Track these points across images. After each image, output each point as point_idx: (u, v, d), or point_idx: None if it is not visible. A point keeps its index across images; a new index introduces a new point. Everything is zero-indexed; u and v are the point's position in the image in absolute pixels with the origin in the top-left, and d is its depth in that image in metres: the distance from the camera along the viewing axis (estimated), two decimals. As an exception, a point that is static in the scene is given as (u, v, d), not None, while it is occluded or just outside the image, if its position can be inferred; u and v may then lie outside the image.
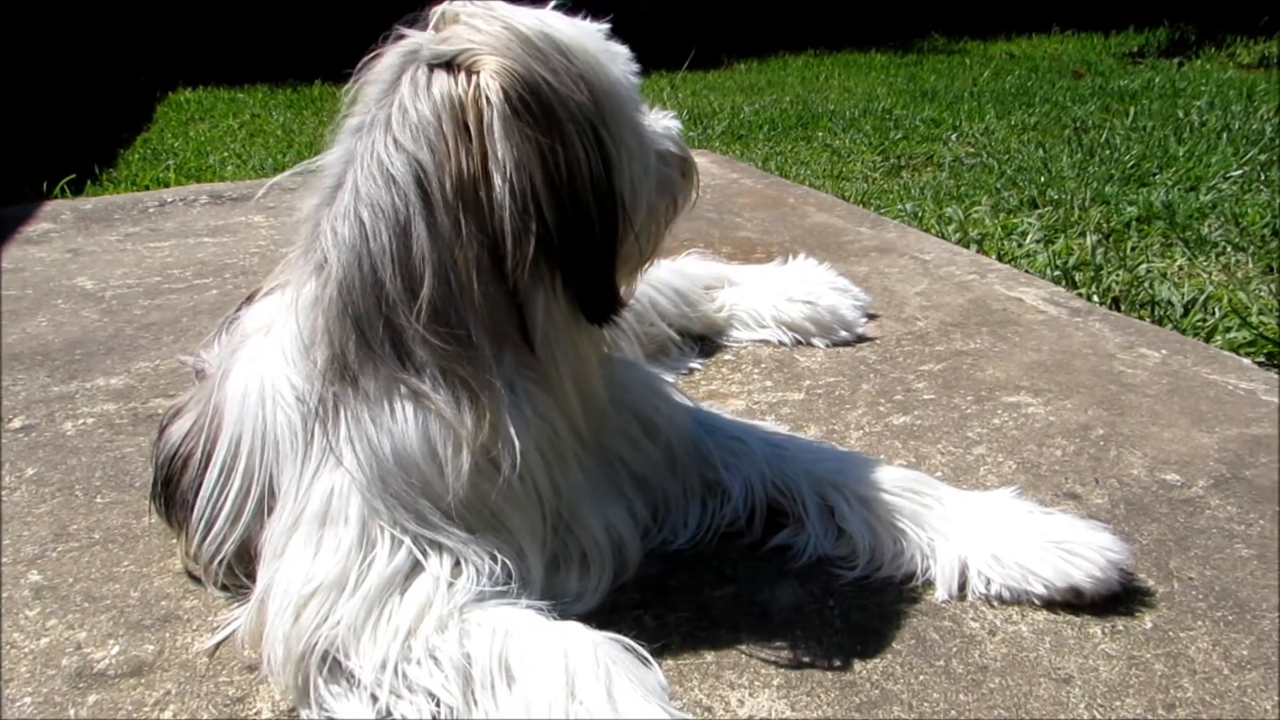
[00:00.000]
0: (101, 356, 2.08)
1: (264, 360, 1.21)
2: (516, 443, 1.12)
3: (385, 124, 1.09)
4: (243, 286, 2.42)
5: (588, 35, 1.14)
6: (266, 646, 1.11)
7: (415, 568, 1.12)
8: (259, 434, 1.19)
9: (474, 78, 1.05)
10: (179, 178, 3.96)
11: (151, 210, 3.30)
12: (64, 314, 2.34)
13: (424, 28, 1.13)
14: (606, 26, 1.18)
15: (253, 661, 1.17)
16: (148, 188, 3.78)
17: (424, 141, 1.06)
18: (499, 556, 1.14)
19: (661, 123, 1.27)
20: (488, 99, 1.04)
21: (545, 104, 1.05)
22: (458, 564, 1.13)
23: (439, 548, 1.13)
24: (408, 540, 1.12)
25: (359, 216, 1.09)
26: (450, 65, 1.07)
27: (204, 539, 1.23)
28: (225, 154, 4.53)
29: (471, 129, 1.06)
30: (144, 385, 1.94)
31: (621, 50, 1.18)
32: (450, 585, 1.10)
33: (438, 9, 1.12)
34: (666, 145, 1.26)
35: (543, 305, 1.12)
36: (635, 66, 1.19)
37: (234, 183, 3.73)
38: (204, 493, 1.23)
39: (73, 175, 3.85)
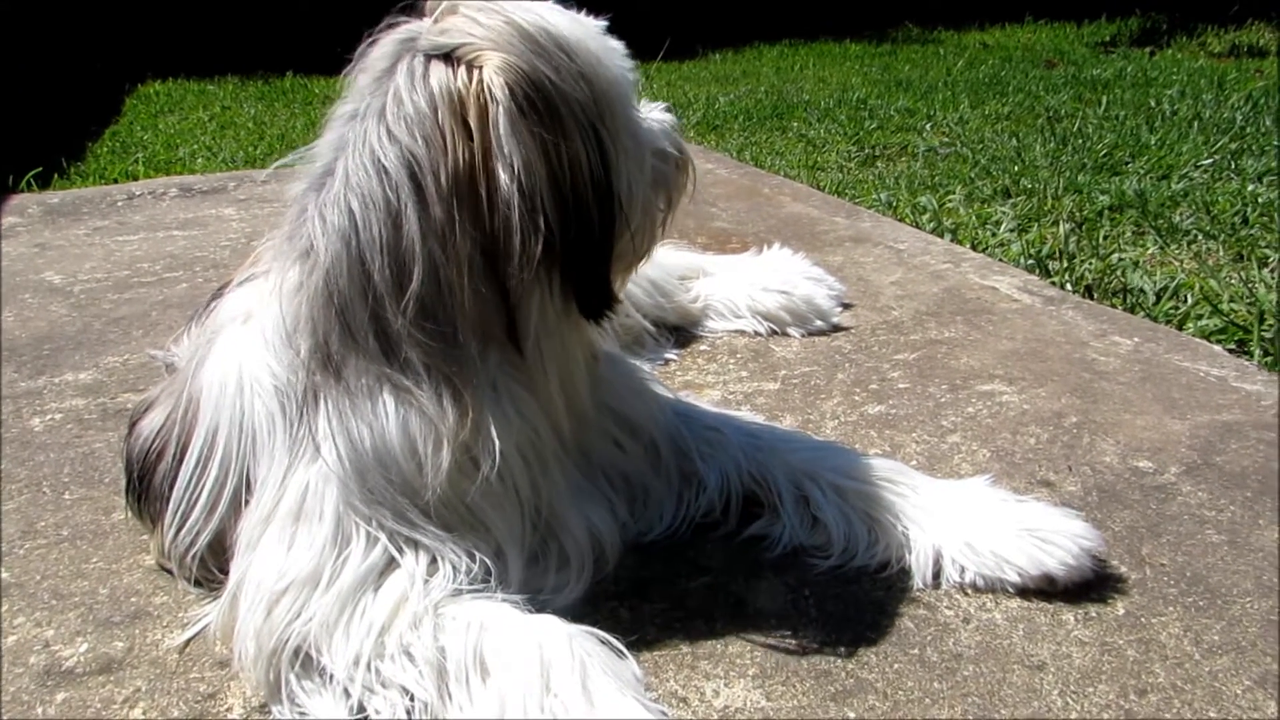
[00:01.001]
0: (70, 351, 2.05)
1: (243, 348, 1.19)
2: (497, 442, 1.11)
3: (379, 113, 1.07)
4: (213, 280, 2.39)
5: (587, 31, 1.13)
6: (238, 642, 1.10)
7: (390, 564, 1.11)
8: (236, 423, 1.17)
9: (476, 72, 1.04)
10: (148, 171, 3.91)
11: (120, 204, 3.26)
12: (31, 309, 2.31)
13: (419, 16, 1.10)
14: (604, 23, 1.17)
15: (224, 658, 1.16)
16: (116, 181, 3.74)
17: (419, 134, 1.04)
18: (476, 555, 1.13)
19: (656, 116, 1.26)
20: (492, 95, 1.03)
21: (549, 101, 1.04)
22: (434, 561, 1.12)
23: (415, 545, 1.12)
24: (384, 537, 1.11)
25: (349, 205, 1.07)
26: (449, 58, 1.05)
27: (178, 532, 1.21)
28: (195, 146, 4.48)
29: (473, 124, 1.04)
30: (113, 380, 1.91)
31: (618, 46, 1.17)
32: (426, 582, 1.10)
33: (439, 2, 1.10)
34: (662, 141, 1.25)
35: (537, 303, 1.11)
36: (631, 63, 1.18)
37: (204, 175, 3.68)
38: (179, 485, 1.21)
39: (39, 169, 3.79)
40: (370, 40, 1.12)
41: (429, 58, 1.06)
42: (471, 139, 1.04)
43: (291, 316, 1.13)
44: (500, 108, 1.03)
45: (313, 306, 1.11)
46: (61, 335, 2.14)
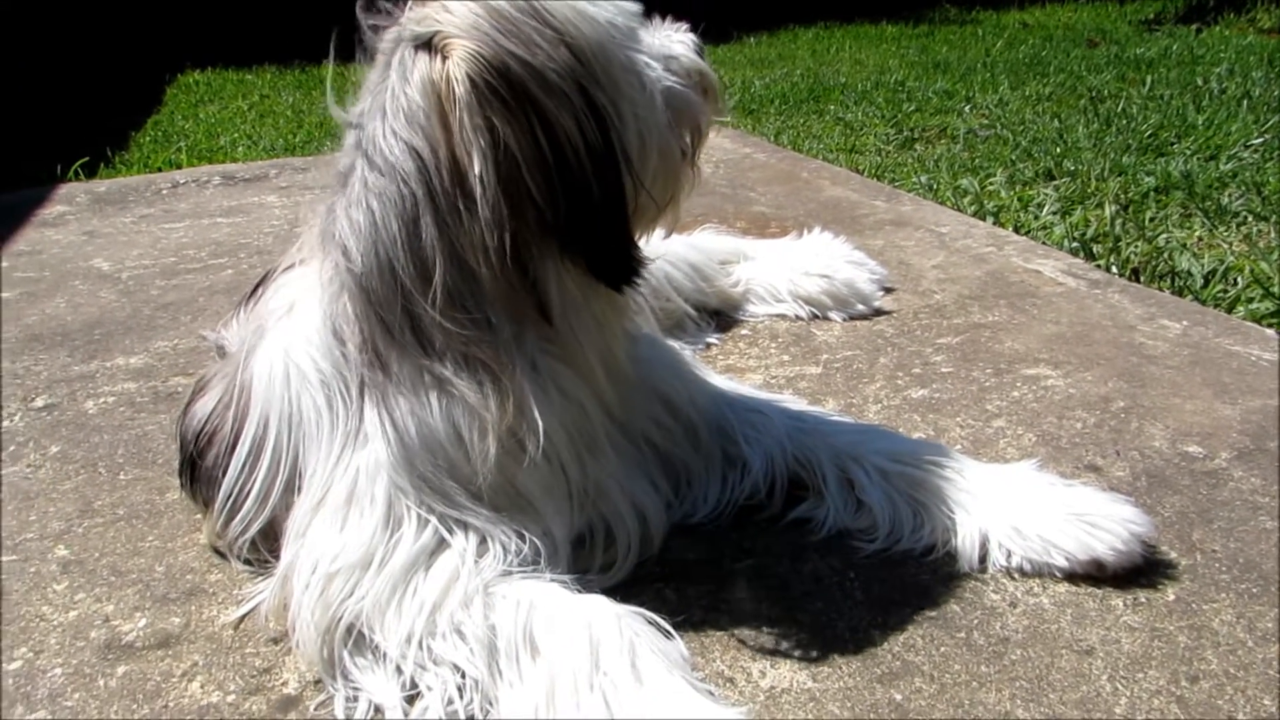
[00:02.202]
0: (120, 336, 2.09)
1: (289, 342, 1.21)
2: (540, 424, 1.12)
3: (382, 111, 1.08)
4: (258, 266, 2.43)
5: None
6: (292, 620, 1.12)
7: (441, 545, 1.12)
8: (286, 416, 1.19)
9: (445, 62, 1.03)
10: (191, 159, 3.96)
11: (165, 192, 3.31)
12: (82, 295, 2.35)
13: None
14: None
15: (278, 634, 1.18)
16: (160, 169, 3.79)
17: (418, 128, 1.05)
18: (526, 535, 1.15)
19: (675, 40, 1.20)
20: (454, 89, 1.02)
21: (516, 84, 1.02)
22: (484, 541, 1.14)
23: (465, 526, 1.13)
24: (434, 519, 1.12)
25: (369, 205, 1.08)
26: (429, 46, 1.05)
27: (231, 518, 1.24)
28: (236, 135, 4.53)
29: (447, 114, 1.04)
30: (163, 364, 1.95)
31: None
32: (476, 562, 1.11)
33: None
34: (676, 68, 1.19)
35: (555, 279, 1.11)
36: None
37: (245, 164, 3.73)
38: (231, 472, 1.24)
39: (86, 158, 3.86)
40: (374, 27, 1.12)
41: (415, 48, 1.05)
42: (451, 129, 1.04)
43: (333, 314, 1.16)
44: (458, 99, 1.02)
45: (354, 306, 1.13)
46: (112, 320, 2.18)
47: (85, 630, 1.21)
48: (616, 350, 1.22)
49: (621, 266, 1.11)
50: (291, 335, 1.22)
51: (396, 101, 1.06)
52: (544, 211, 1.05)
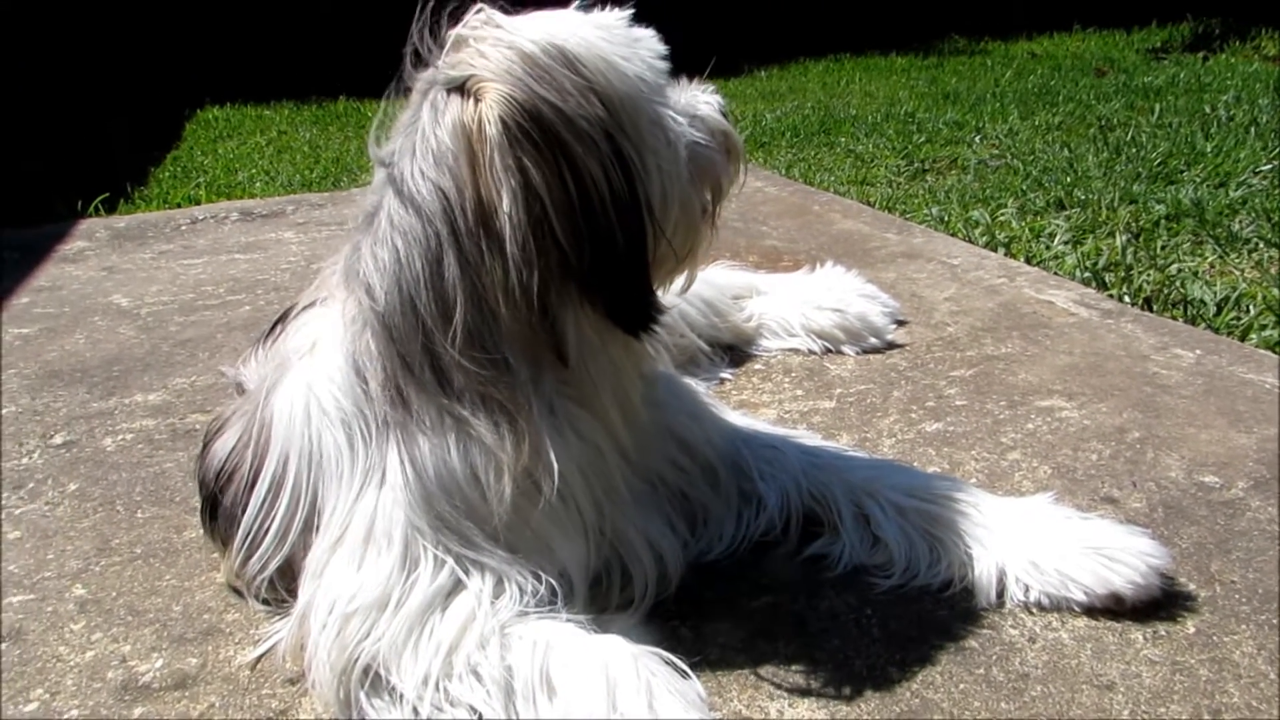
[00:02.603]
0: (139, 373, 2.11)
1: (311, 379, 1.22)
2: (555, 465, 1.13)
3: (411, 151, 1.09)
4: (275, 303, 2.45)
5: (602, 35, 1.11)
6: (309, 660, 1.12)
7: (457, 586, 1.13)
8: (306, 454, 1.20)
9: (478, 105, 1.05)
10: (209, 195, 4.01)
11: (184, 227, 3.35)
12: (101, 331, 2.38)
13: (440, 44, 1.12)
14: (627, 14, 1.16)
15: (294, 675, 1.18)
16: (179, 205, 3.84)
17: (445, 169, 1.07)
18: (542, 576, 1.15)
19: (701, 100, 1.23)
20: (486, 130, 1.04)
21: (547, 128, 1.04)
22: (500, 582, 1.14)
23: (481, 567, 1.14)
24: (450, 560, 1.13)
25: (394, 244, 1.10)
26: (462, 90, 1.07)
27: (249, 556, 1.25)
28: (254, 171, 4.59)
29: (479, 157, 1.06)
30: (181, 401, 1.97)
31: (643, 35, 1.15)
32: (493, 603, 1.11)
33: (455, 31, 1.11)
34: (701, 127, 1.21)
35: (573, 323, 1.12)
36: (660, 49, 1.16)
37: (263, 199, 3.77)
38: (250, 510, 1.24)
39: (106, 194, 3.91)
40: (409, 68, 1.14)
41: (448, 91, 1.08)
42: (481, 171, 1.05)
43: (356, 352, 1.17)
44: (491, 142, 1.04)
45: (376, 342, 1.14)
46: (130, 357, 2.20)
47: (102, 671, 1.22)
48: (633, 394, 1.22)
49: (640, 313, 1.13)
50: (314, 373, 1.23)
51: (426, 142, 1.08)
52: (568, 255, 1.06)
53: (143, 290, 2.68)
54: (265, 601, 1.29)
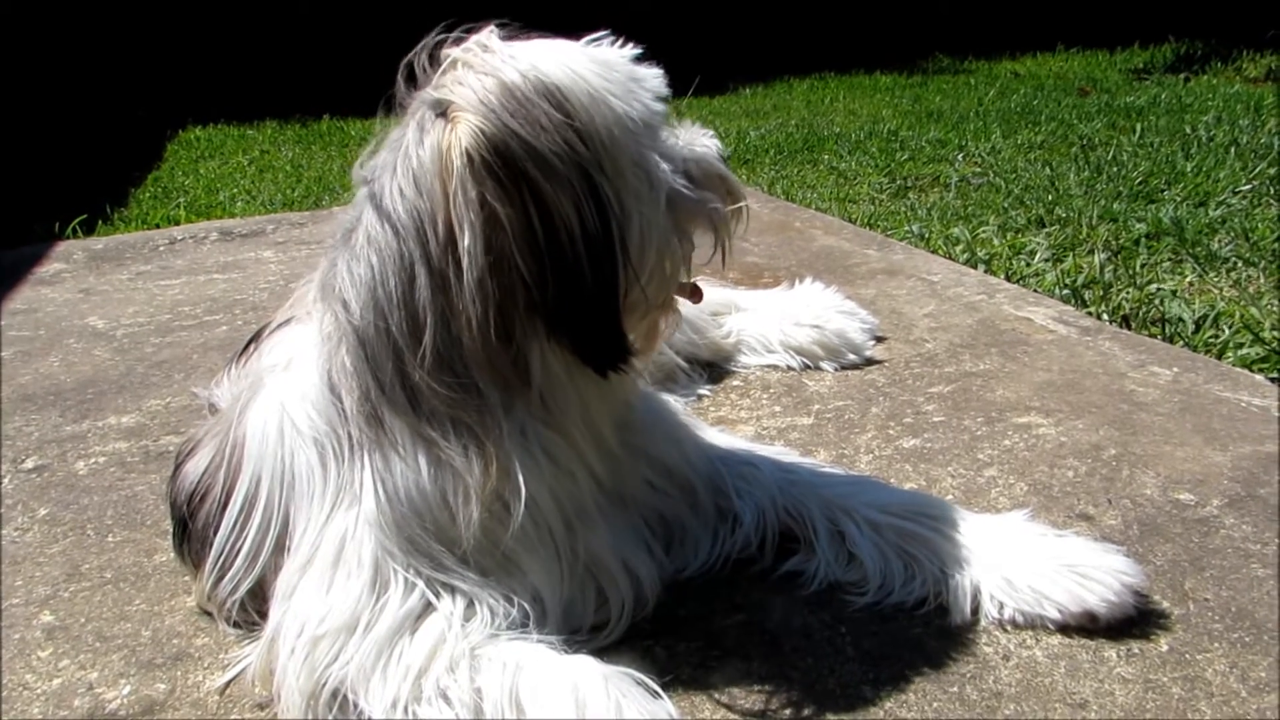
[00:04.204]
0: (113, 395, 2.10)
1: (284, 397, 1.21)
2: (523, 489, 1.12)
3: (393, 168, 1.09)
4: (252, 322, 2.44)
5: (596, 70, 1.09)
6: (277, 684, 1.11)
7: (428, 609, 1.12)
8: (278, 474, 1.19)
9: (453, 133, 1.04)
10: (189, 215, 4.00)
11: (162, 248, 3.33)
12: (76, 353, 2.36)
13: (438, 64, 1.12)
14: (633, 51, 1.15)
15: (264, 700, 1.17)
16: (158, 226, 3.82)
17: (423, 190, 1.06)
18: (514, 599, 1.14)
19: (699, 143, 1.21)
20: (453, 162, 1.03)
21: (514, 164, 1.02)
22: (471, 605, 1.13)
23: (452, 590, 1.13)
24: (421, 583, 1.12)
25: (370, 260, 1.09)
26: (445, 114, 1.06)
27: (220, 578, 1.23)
28: (235, 190, 4.58)
29: (448, 186, 1.05)
30: (155, 423, 1.95)
31: (645, 74, 1.14)
32: (463, 626, 1.10)
33: (450, 52, 1.11)
34: (695, 171, 1.19)
35: (539, 356, 1.11)
36: (661, 90, 1.14)
37: (244, 219, 3.76)
38: (223, 531, 1.23)
39: (84, 215, 3.89)
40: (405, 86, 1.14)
41: (434, 113, 1.07)
42: (448, 199, 1.05)
43: (332, 369, 1.16)
44: (457, 174, 1.03)
45: (352, 360, 1.13)
46: (105, 379, 2.19)
47: (69, 699, 1.20)
48: (603, 424, 1.20)
49: (608, 353, 1.11)
50: (288, 390, 1.22)
51: (408, 160, 1.07)
52: (532, 291, 1.05)
53: (119, 312, 2.66)
54: (236, 624, 1.27)
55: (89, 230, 3.79)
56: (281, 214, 3.85)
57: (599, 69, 1.10)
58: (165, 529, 1.54)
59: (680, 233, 1.18)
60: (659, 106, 1.14)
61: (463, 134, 1.03)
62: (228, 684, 1.21)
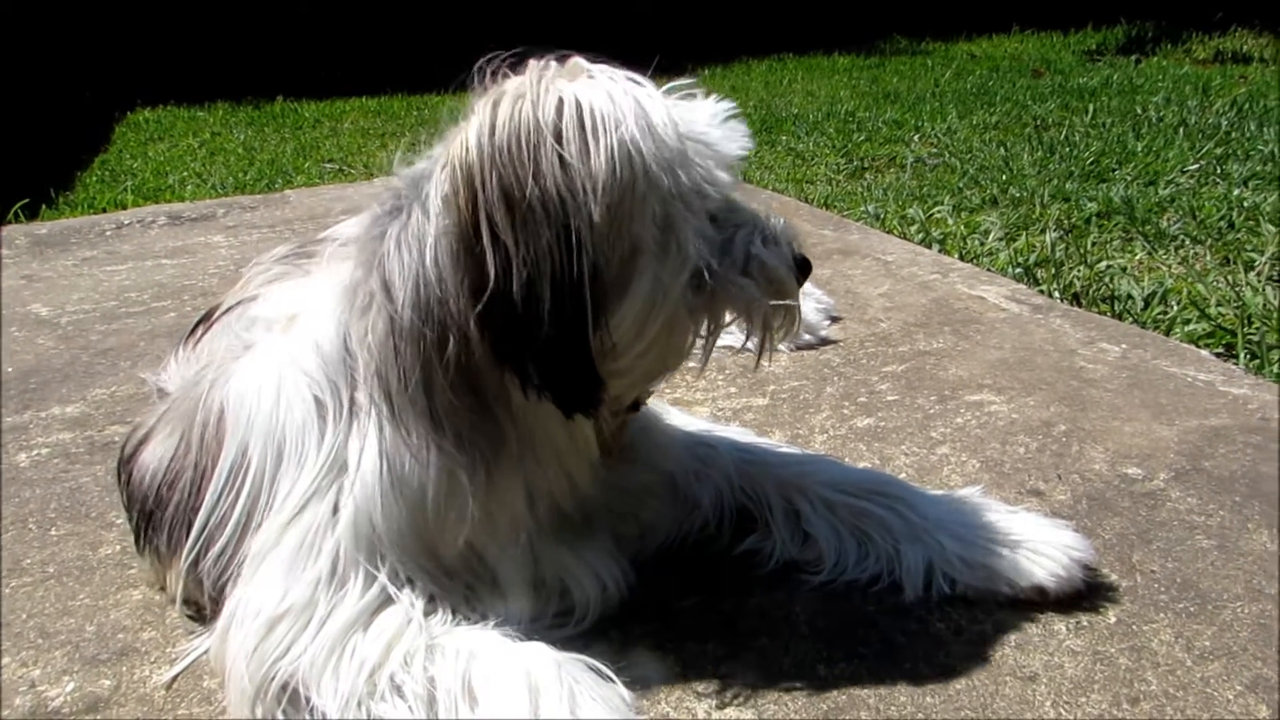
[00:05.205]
0: (57, 385, 2.05)
1: (290, 353, 1.16)
2: (515, 502, 1.12)
3: (440, 166, 1.05)
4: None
5: (646, 129, 1.03)
6: (225, 674, 1.09)
7: (386, 602, 1.10)
8: (273, 433, 1.14)
9: (457, 155, 1.01)
10: (137, 199, 3.91)
11: (109, 233, 3.26)
12: (18, 342, 2.30)
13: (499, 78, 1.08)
14: (727, 107, 1.10)
15: (210, 692, 1.15)
16: (105, 210, 3.73)
17: (446, 201, 1.03)
18: (478, 599, 1.13)
19: (773, 233, 1.14)
20: (446, 195, 1.02)
21: (489, 204, 0.99)
22: (431, 599, 1.11)
23: (414, 585, 1.11)
24: (384, 572, 1.10)
25: (418, 250, 1.05)
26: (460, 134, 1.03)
27: (200, 558, 1.17)
28: (185, 173, 4.49)
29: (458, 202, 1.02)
30: (100, 413, 1.91)
31: (721, 139, 1.08)
32: (422, 621, 1.09)
33: (511, 70, 1.07)
34: (757, 269, 1.13)
35: (514, 386, 1.08)
36: (733, 153, 1.08)
37: (193, 203, 3.69)
38: (205, 508, 1.17)
39: (27, 199, 3.79)
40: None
41: (458, 128, 1.04)
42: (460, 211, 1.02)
43: (351, 330, 1.12)
44: (438, 191, 1.02)
45: (377, 337, 1.09)
46: (48, 368, 2.13)
47: (9, 698, 1.17)
48: (577, 459, 1.18)
49: (575, 399, 1.06)
50: (289, 347, 1.17)
51: (444, 171, 1.04)
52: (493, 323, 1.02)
53: (63, 299, 2.60)
54: (190, 616, 1.24)
55: (32, 215, 3.70)
56: (233, 197, 3.78)
57: (662, 123, 1.04)
58: (110, 521, 1.51)
59: (703, 312, 1.12)
60: (721, 176, 1.08)
61: (457, 166, 1.01)
62: (175, 678, 1.18)
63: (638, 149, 1.02)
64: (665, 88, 1.11)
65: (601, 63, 1.10)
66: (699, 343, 1.18)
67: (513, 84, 1.05)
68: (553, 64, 1.07)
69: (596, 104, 1.02)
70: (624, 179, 1.01)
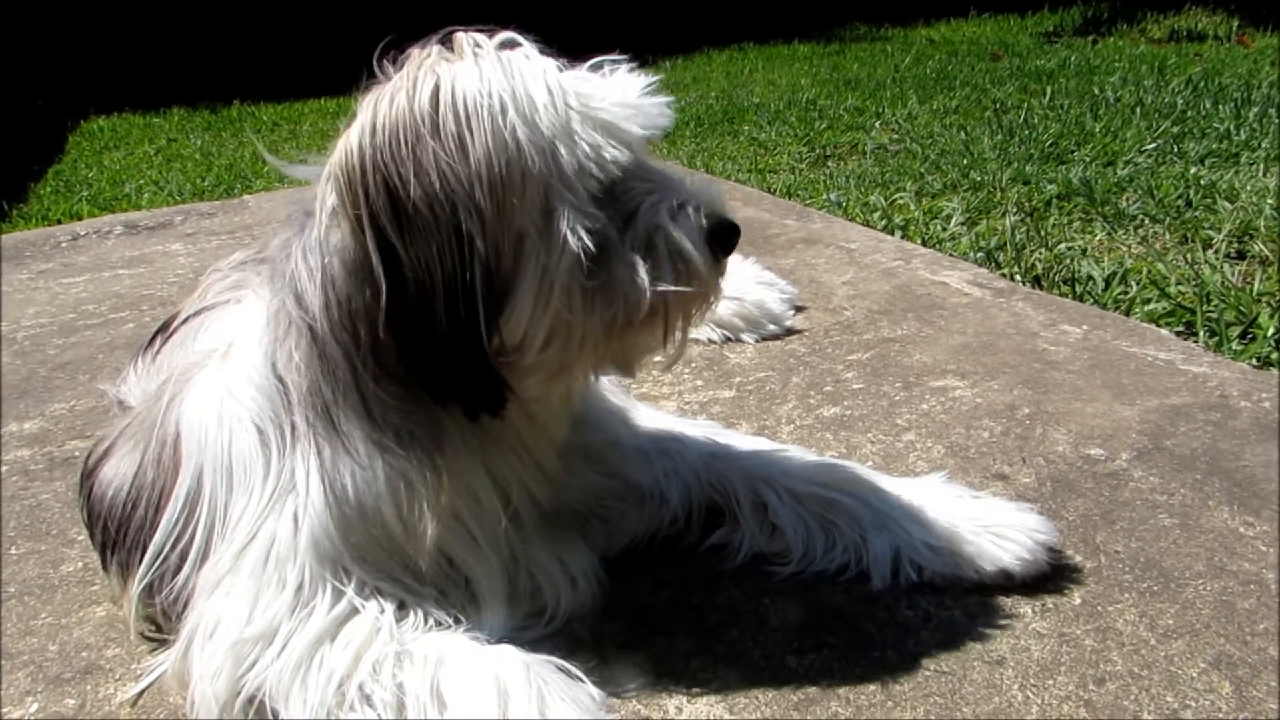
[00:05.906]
0: (14, 401, 2.01)
1: (225, 383, 1.16)
2: (474, 498, 1.11)
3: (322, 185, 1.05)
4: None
5: (528, 106, 0.99)
6: (191, 689, 1.07)
7: (354, 613, 1.09)
8: (220, 462, 1.13)
9: (341, 152, 1.01)
10: (93, 209, 3.85)
11: (64, 244, 3.20)
12: (-27, 358, 2.26)
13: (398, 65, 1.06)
14: (648, 82, 1.07)
15: (175, 710, 1.13)
16: (60, 221, 3.68)
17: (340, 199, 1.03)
18: (450, 603, 1.12)
19: (685, 209, 1.09)
20: (330, 187, 1.02)
21: (372, 200, 0.98)
22: (403, 607, 1.11)
23: (382, 593, 1.10)
24: (351, 586, 1.09)
25: (322, 255, 1.05)
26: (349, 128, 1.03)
27: (156, 583, 1.16)
28: (141, 181, 4.42)
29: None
30: (59, 428, 1.88)
31: (621, 117, 1.03)
32: (393, 628, 1.08)
33: (405, 56, 1.05)
34: (664, 241, 1.07)
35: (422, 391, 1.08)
36: (637, 131, 1.03)
37: (150, 211, 3.64)
38: (161, 532, 1.16)
39: (-20, 213, 3.73)
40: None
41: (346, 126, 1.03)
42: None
43: (277, 356, 1.12)
44: (328, 200, 1.02)
45: (301, 353, 1.09)
46: (5, 384, 2.10)
47: (-30, 718, 1.15)
48: (545, 438, 1.18)
49: (468, 399, 1.05)
50: (228, 376, 1.16)
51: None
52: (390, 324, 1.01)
53: (19, 313, 2.56)
54: (147, 637, 1.22)
55: (-15, 228, 3.63)
56: (191, 204, 3.73)
57: (544, 103, 1.01)
58: (72, 538, 1.49)
59: (600, 300, 1.04)
60: (613, 152, 1.03)
61: (346, 152, 1.00)
62: (139, 695, 1.17)
63: (514, 135, 0.98)
64: (590, 64, 1.08)
65: (495, 34, 1.06)
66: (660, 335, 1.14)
67: (396, 77, 1.04)
68: (435, 47, 1.04)
69: (471, 90, 0.99)
70: (503, 167, 0.98)
